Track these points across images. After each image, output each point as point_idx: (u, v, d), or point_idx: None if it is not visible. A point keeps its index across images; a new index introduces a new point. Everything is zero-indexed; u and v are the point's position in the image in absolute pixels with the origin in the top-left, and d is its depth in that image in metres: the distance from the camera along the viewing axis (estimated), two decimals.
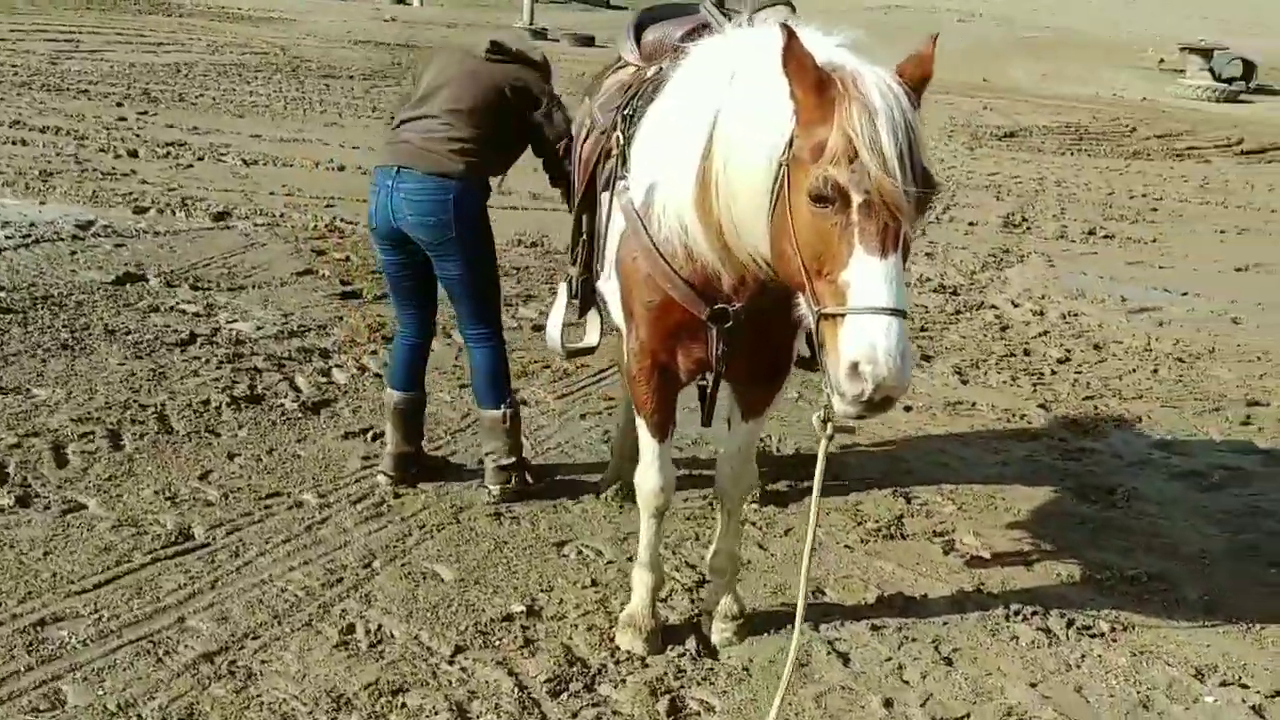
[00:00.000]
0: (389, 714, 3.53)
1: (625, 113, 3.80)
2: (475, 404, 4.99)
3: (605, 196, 3.86)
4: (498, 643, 3.94)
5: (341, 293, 7.63)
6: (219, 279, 7.69)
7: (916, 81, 2.84)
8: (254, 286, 7.63)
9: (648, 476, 3.89)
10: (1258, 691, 3.95)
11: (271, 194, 10.27)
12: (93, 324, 6.59)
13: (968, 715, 3.74)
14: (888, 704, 3.75)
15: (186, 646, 3.78)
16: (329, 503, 4.81)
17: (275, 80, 17.09)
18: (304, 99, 15.86)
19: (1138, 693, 3.91)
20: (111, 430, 5.27)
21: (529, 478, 4.96)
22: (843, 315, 2.75)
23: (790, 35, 2.77)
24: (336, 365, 6.35)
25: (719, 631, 4.06)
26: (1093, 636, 4.24)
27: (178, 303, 7.10)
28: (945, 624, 4.25)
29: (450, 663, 3.81)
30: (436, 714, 3.53)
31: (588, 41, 26.22)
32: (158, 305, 7.02)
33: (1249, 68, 25.45)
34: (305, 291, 7.62)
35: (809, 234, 2.80)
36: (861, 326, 2.71)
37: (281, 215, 9.50)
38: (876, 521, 5.01)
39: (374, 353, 6.59)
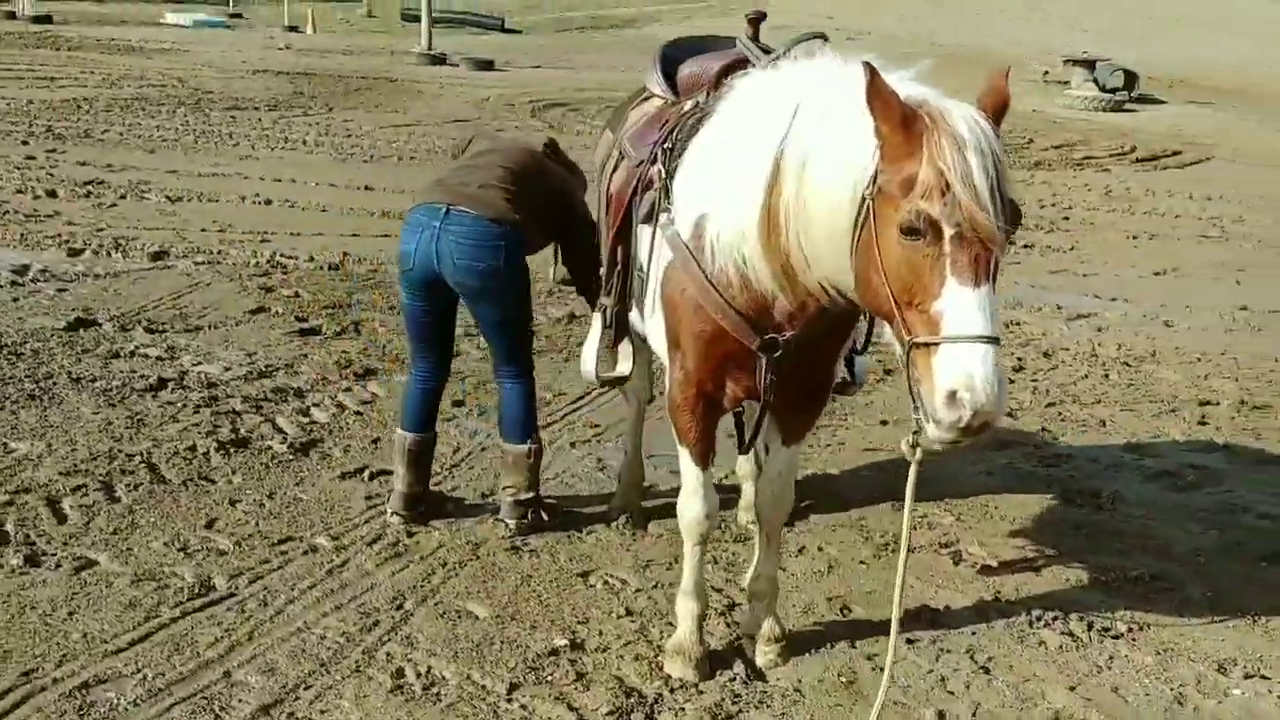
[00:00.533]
0: None
1: (665, 146, 3.84)
2: (500, 439, 4.97)
3: (645, 229, 3.90)
4: (550, 678, 3.94)
5: (300, 330, 7.53)
6: (172, 321, 7.54)
7: (996, 113, 2.94)
8: (210, 327, 7.49)
9: (691, 505, 3.94)
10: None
11: (204, 230, 10.08)
12: (55, 372, 6.42)
13: None
14: (941, 716, 3.84)
15: (240, 701, 3.72)
16: (344, 545, 4.76)
17: (180, 113, 16.74)
18: (213, 132, 15.56)
19: (1170, 690, 4.06)
20: (104, 482, 5.16)
21: (544, 514, 4.97)
22: (937, 344, 2.83)
23: (873, 72, 2.85)
24: (314, 404, 6.28)
25: (763, 654, 4.12)
26: (1114, 638, 4.39)
27: (137, 347, 6.95)
28: (974, 634, 4.37)
29: (509, 700, 3.80)
30: None
31: (487, 65, 26.13)
32: (117, 350, 6.86)
33: (1130, 78, 26.36)
34: (263, 330, 7.51)
35: (899, 266, 2.88)
36: (958, 355, 2.79)
37: (219, 252, 9.33)
38: (883, 536, 5.12)
39: (348, 389, 6.54)
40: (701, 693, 3.91)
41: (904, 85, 2.98)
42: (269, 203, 11.42)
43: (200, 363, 6.78)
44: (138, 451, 5.49)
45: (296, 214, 11.02)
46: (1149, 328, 8.91)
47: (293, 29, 32.76)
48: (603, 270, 4.38)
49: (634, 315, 4.19)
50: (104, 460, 5.37)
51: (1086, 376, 7.61)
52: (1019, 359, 7.89)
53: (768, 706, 3.86)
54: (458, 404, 6.40)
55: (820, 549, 5.00)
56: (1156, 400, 7.21)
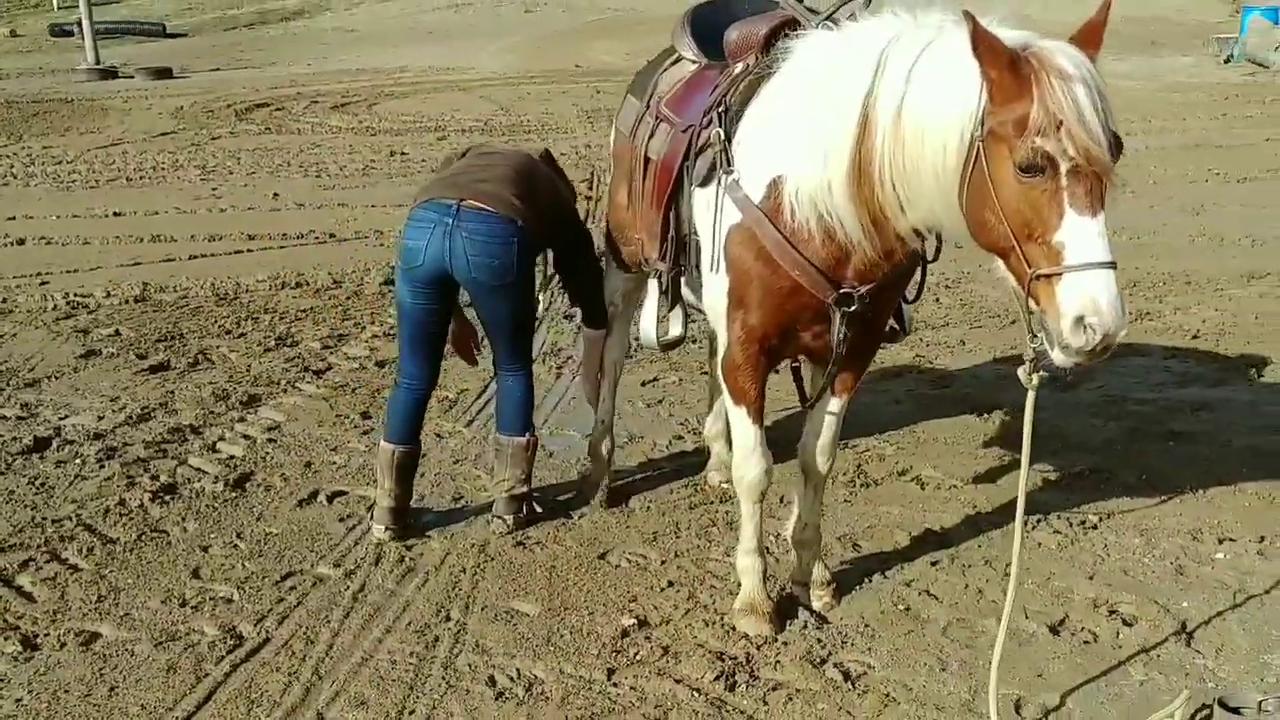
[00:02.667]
0: None
1: (719, 109, 3.91)
2: (497, 431, 4.91)
3: (701, 192, 3.96)
4: (640, 657, 4.00)
5: (149, 368, 7.10)
6: (2, 379, 6.94)
7: (1094, 49, 3.16)
8: (49, 378, 6.95)
9: (750, 464, 4.06)
10: (1248, 540, 4.68)
11: None
12: None
13: (1066, 616, 4.20)
14: (999, 623, 4.13)
15: None
16: (351, 570, 4.62)
17: None
18: None
19: (1169, 564, 4.53)
20: (50, 553, 4.77)
21: (536, 506, 4.98)
22: (1059, 274, 3.06)
23: (975, 21, 3.03)
24: (219, 440, 5.97)
25: (818, 599, 4.31)
26: (1093, 529, 4.83)
27: None
28: (980, 546, 4.71)
29: (614, 685, 3.84)
30: None
31: (164, 73, 24.87)
32: None
33: None
34: (106, 373, 7.03)
35: (1017, 202, 3.08)
36: (1083, 281, 3.01)
37: (4, 300, 8.61)
38: (845, 475, 5.39)
39: (242, 419, 6.25)
40: (786, 643, 4.06)
41: (1000, 30, 3.15)
42: (21, 243, 10.56)
43: (67, 415, 6.31)
44: (65, 516, 5.10)
45: (59, 250, 10.25)
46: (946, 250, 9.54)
47: None
48: (641, 237, 4.41)
49: (685, 280, 4.25)
50: (33, 530, 4.96)
51: (923, 303, 8.14)
52: None
53: (853, 644, 4.06)
54: (365, 416, 6.24)
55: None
56: (993, 315, 7.82)
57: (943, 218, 3.33)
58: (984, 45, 3.02)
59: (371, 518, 4.90)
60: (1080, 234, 3.03)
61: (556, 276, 5.09)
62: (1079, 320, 3.01)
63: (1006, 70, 3.03)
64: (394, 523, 4.84)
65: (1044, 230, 3.06)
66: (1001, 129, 3.05)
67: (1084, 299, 3.00)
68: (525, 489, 4.89)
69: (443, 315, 4.72)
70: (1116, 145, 3.08)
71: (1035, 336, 3.21)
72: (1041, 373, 3.32)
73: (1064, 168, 3.01)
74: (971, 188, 3.16)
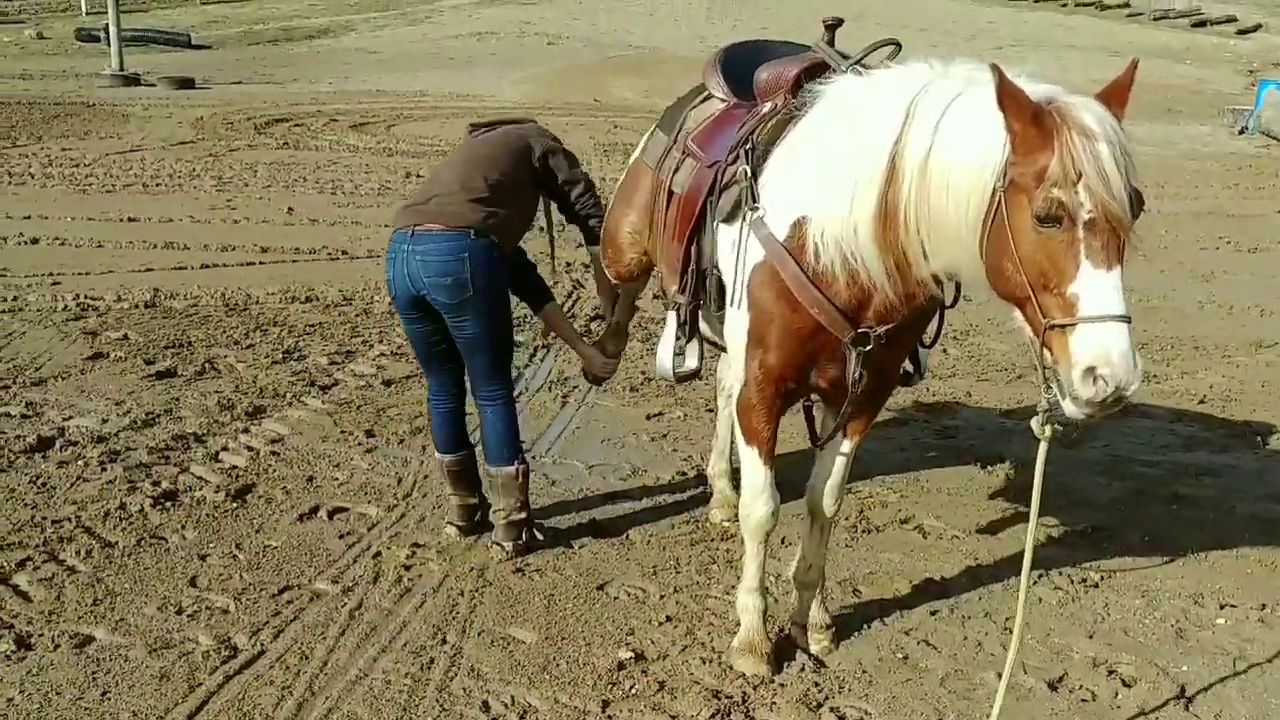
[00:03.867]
0: None
1: (746, 147, 3.93)
2: (486, 462, 4.92)
3: (725, 228, 3.97)
4: (635, 690, 3.98)
5: (156, 373, 7.10)
6: (10, 375, 6.96)
7: (1119, 107, 3.19)
8: (55, 379, 6.96)
9: (759, 504, 4.05)
10: (1250, 607, 4.66)
11: None
12: None
13: (1065, 674, 4.18)
14: (999, 676, 4.11)
15: None
16: (349, 588, 4.61)
17: None
18: None
19: (1169, 626, 4.51)
20: (49, 554, 4.77)
21: (537, 533, 4.97)
22: (1074, 325, 3.07)
23: (1001, 74, 3.06)
24: (222, 449, 5.97)
25: (816, 642, 4.29)
26: (1093, 587, 4.81)
27: None
28: (981, 599, 4.69)
29: (609, 718, 3.82)
30: None
31: (187, 84, 24.90)
32: None
33: None
34: (114, 377, 7.04)
35: (1035, 252, 3.09)
36: (1095, 333, 3.04)
37: (16, 299, 8.62)
38: (848, 519, 5.37)
39: (246, 430, 6.25)
40: (783, 685, 4.04)
41: (1026, 84, 3.18)
42: (35, 242, 10.59)
43: (71, 417, 6.31)
44: (64, 517, 5.09)
45: (73, 252, 10.27)
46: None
47: None
48: (661, 270, 4.46)
49: (703, 314, 4.26)
50: (32, 529, 4.96)
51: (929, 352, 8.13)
52: None
53: (850, 690, 4.04)
54: (369, 434, 6.24)
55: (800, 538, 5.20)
56: (1000, 369, 7.82)
57: (964, 266, 3.35)
58: (1009, 98, 3.05)
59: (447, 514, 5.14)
60: (1095, 286, 3.04)
61: (561, 217, 5.16)
62: (1090, 371, 3.02)
63: (1030, 123, 3.05)
64: (462, 520, 5.06)
65: (1059, 281, 3.08)
66: (1022, 180, 3.08)
67: (1096, 350, 3.02)
68: (523, 515, 4.88)
69: (440, 332, 4.75)
70: (1138, 201, 3.09)
71: (1049, 388, 3.21)
72: (1056, 425, 3.31)
73: (1081, 220, 3.03)
74: (992, 237, 3.18)
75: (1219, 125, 23.30)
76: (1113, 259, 3.07)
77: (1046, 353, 3.17)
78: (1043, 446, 3.38)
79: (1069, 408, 3.14)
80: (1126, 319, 3.06)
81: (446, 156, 5.15)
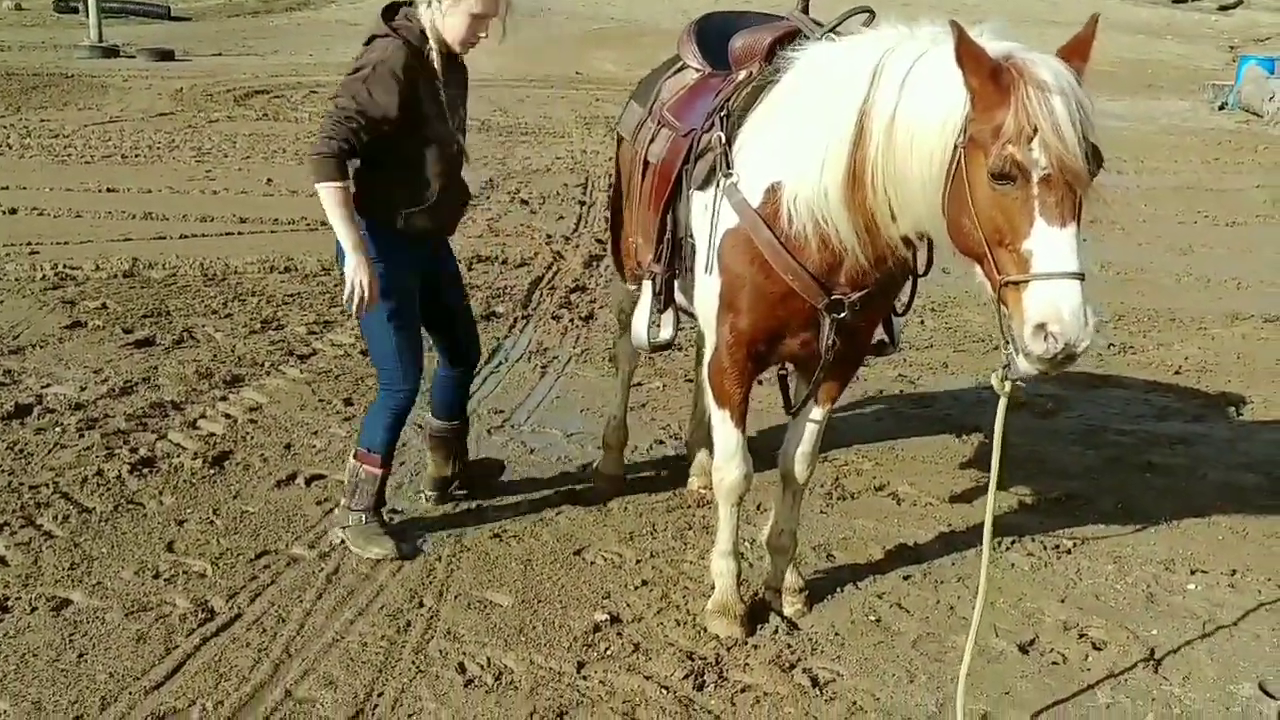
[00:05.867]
0: None
1: (722, 114, 3.94)
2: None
3: (699, 195, 3.97)
4: (610, 652, 4.01)
5: (134, 342, 7.08)
6: None
7: (1080, 61, 3.18)
8: (33, 346, 6.93)
9: (731, 468, 4.08)
10: (1220, 572, 4.72)
11: None
12: None
13: (1035, 637, 4.23)
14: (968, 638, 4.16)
15: (321, 717, 3.60)
16: (325, 553, 4.62)
17: None
18: None
19: (1140, 591, 4.56)
20: (26, 518, 4.77)
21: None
22: (1026, 281, 3.08)
23: (961, 30, 3.06)
24: (200, 417, 5.96)
25: (790, 605, 4.33)
26: (1066, 553, 4.86)
27: None
28: (954, 563, 4.73)
29: (584, 679, 3.85)
30: None
31: (167, 55, 24.67)
32: None
33: None
34: (93, 345, 7.01)
35: (990, 209, 3.10)
36: (1046, 290, 3.04)
37: None
38: (823, 486, 5.41)
39: (224, 398, 6.25)
40: (756, 647, 4.08)
41: (988, 41, 3.17)
42: (14, 212, 10.52)
43: (49, 384, 6.29)
44: (42, 483, 5.09)
45: (51, 221, 10.20)
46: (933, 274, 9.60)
47: None
48: (637, 240, 4.45)
49: (678, 284, 4.27)
50: (9, 495, 4.96)
51: (906, 323, 8.17)
52: None
53: (822, 652, 4.08)
54: (347, 403, 6.24)
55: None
56: (978, 340, 7.86)
57: (929, 225, 3.37)
58: (967, 55, 3.05)
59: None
60: (1048, 243, 3.05)
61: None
62: (1040, 328, 3.03)
63: (988, 79, 3.05)
64: (434, 489, 5.11)
65: (1014, 238, 3.09)
66: (980, 136, 3.09)
67: (1046, 307, 3.02)
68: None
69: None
70: (1095, 156, 3.09)
71: (1008, 344, 3.23)
72: (1016, 381, 3.33)
73: (1035, 176, 3.03)
74: (952, 194, 3.19)
75: (1199, 101, 23.34)
76: (1068, 215, 3.06)
77: (1003, 308, 3.18)
78: (1002, 402, 3.39)
79: (1021, 364, 3.15)
80: (1079, 276, 3.05)
81: None
